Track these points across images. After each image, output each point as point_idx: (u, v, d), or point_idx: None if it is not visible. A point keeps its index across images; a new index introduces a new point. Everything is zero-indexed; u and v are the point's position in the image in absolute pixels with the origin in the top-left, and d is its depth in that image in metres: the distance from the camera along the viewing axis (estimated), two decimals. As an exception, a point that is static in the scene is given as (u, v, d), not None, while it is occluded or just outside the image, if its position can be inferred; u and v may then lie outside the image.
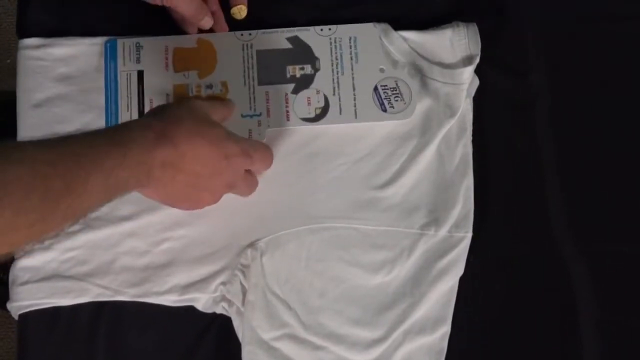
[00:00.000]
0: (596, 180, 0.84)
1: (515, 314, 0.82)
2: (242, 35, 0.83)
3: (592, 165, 0.84)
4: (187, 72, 0.82)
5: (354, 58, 0.82)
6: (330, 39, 0.83)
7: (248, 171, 0.76)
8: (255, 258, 0.80)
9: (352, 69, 0.82)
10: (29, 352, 0.79)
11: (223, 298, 0.79)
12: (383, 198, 0.81)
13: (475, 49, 0.82)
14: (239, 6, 0.84)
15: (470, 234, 0.81)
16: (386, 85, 0.82)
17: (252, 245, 0.80)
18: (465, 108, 0.82)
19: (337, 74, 0.82)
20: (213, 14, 0.83)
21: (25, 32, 0.84)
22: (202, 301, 0.80)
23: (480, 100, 0.83)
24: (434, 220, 0.81)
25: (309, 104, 0.82)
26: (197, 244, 0.80)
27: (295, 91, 0.82)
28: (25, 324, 0.79)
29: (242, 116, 0.81)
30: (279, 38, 0.83)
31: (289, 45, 0.83)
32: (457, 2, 0.86)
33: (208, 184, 0.72)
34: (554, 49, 0.86)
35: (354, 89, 0.82)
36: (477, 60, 0.82)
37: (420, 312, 0.80)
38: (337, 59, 0.82)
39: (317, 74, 0.82)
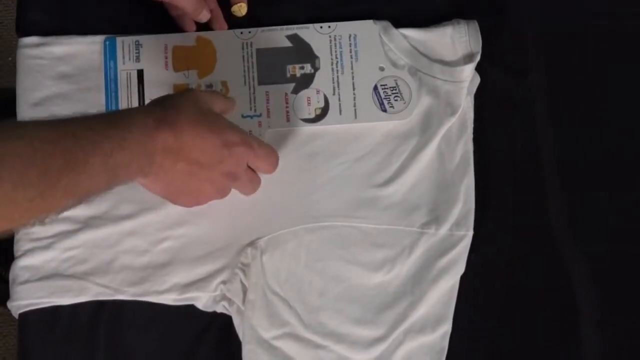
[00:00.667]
0: (596, 179, 0.84)
1: (516, 313, 0.82)
2: (241, 33, 0.83)
3: (592, 164, 0.84)
4: (187, 72, 0.82)
5: (353, 56, 0.82)
6: (330, 36, 0.83)
7: (251, 169, 0.76)
8: (255, 257, 0.79)
9: (352, 68, 0.82)
10: (29, 351, 0.80)
11: (223, 297, 0.79)
12: (383, 197, 0.81)
13: (476, 46, 0.82)
14: (239, 4, 0.83)
15: (471, 233, 0.81)
16: (386, 85, 0.82)
17: (252, 244, 0.80)
18: (466, 106, 0.82)
19: (337, 73, 0.82)
20: (211, 11, 0.83)
21: (24, 30, 0.84)
22: (203, 300, 0.80)
23: (480, 99, 0.83)
24: (435, 218, 0.81)
25: (309, 104, 0.81)
26: (197, 243, 0.80)
27: (295, 91, 0.82)
28: (26, 323, 0.79)
29: (243, 117, 0.81)
30: (278, 36, 0.83)
31: (288, 44, 0.83)
32: (457, 1, 0.86)
33: (208, 173, 0.71)
34: (554, 48, 0.85)
35: (353, 89, 0.82)
36: (478, 57, 0.81)
37: (421, 311, 0.79)
38: (337, 58, 0.82)
39: (317, 73, 0.82)
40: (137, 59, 0.82)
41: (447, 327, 0.80)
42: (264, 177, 0.79)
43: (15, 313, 0.80)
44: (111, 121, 0.64)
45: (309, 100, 0.82)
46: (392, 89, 0.82)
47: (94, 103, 0.82)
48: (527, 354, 0.82)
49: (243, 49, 0.83)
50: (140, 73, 0.82)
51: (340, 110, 0.81)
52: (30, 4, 0.84)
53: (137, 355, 0.80)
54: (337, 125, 0.82)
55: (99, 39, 0.83)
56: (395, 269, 0.80)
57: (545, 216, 0.83)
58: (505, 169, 0.83)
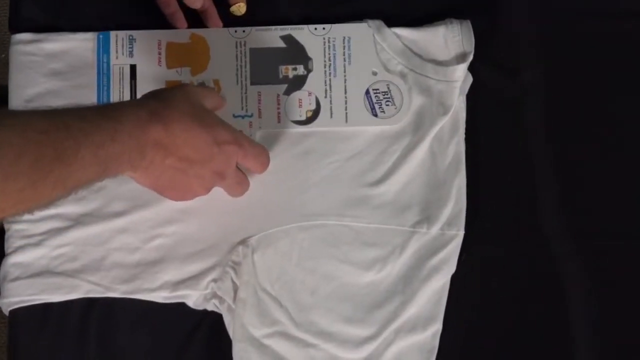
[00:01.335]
0: (589, 178, 0.84)
1: (507, 312, 0.82)
2: (235, 32, 0.83)
3: (585, 163, 0.84)
4: (180, 69, 0.82)
5: (347, 59, 0.82)
6: (324, 38, 0.83)
7: (241, 171, 0.76)
8: (246, 255, 0.79)
9: (344, 71, 0.82)
10: (20, 348, 0.79)
11: (214, 295, 0.79)
12: (375, 196, 0.81)
13: (469, 46, 0.82)
14: (238, 4, 0.83)
15: (462, 232, 0.81)
16: (378, 89, 0.82)
17: (243, 242, 0.80)
18: (458, 106, 0.82)
19: (330, 75, 0.82)
20: (206, 10, 0.83)
21: (17, 27, 0.84)
22: (193, 298, 0.80)
23: (473, 98, 0.83)
24: (426, 218, 0.81)
25: (300, 106, 0.82)
26: (189, 240, 0.80)
27: (288, 92, 0.82)
28: (16, 320, 0.79)
29: (234, 116, 0.81)
30: (272, 36, 0.83)
31: (282, 44, 0.83)
32: (450, 1, 0.86)
33: (197, 170, 0.71)
34: (547, 47, 0.86)
35: (345, 92, 0.82)
36: (471, 57, 0.82)
37: (412, 311, 0.80)
38: (330, 60, 0.82)
39: (310, 75, 0.82)
40: (131, 54, 0.82)
41: (437, 327, 0.80)
42: (256, 175, 0.79)
43: (6, 310, 0.79)
44: (104, 113, 0.64)
45: (300, 102, 0.82)
46: (384, 93, 0.82)
47: (87, 100, 0.81)
48: (519, 353, 0.82)
49: (237, 47, 0.83)
50: (133, 68, 0.82)
51: (332, 114, 0.82)
52: (24, 0, 0.84)
53: (127, 353, 0.80)
54: (328, 126, 0.82)
55: (91, 36, 0.83)
56: (387, 268, 0.80)
57: (537, 215, 0.83)
58: (497, 169, 0.84)
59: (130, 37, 0.82)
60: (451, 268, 0.81)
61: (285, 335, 0.79)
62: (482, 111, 0.84)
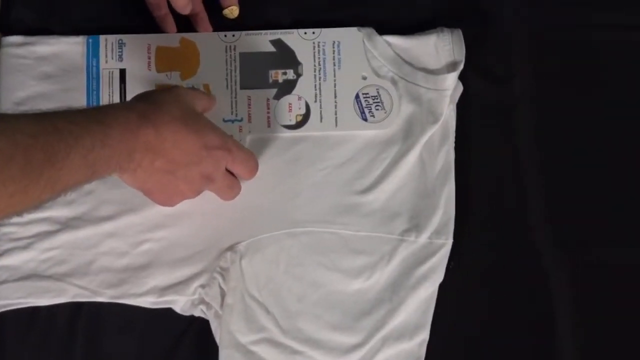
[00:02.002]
0: (578, 188, 0.84)
1: (494, 321, 0.82)
2: (225, 36, 0.83)
3: (575, 173, 0.84)
4: (169, 73, 0.82)
5: (336, 64, 0.82)
6: (313, 43, 0.82)
7: (231, 174, 0.76)
8: (234, 261, 0.79)
9: (334, 75, 0.82)
10: (6, 351, 0.80)
11: (201, 301, 0.80)
12: (364, 203, 0.81)
13: (460, 55, 0.82)
14: (230, 7, 0.83)
15: (450, 241, 0.81)
16: (367, 93, 0.81)
17: (231, 248, 0.80)
18: (448, 114, 0.82)
19: (320, 80, 0.82)
20: (197, 14, 0.82)
21: (8, 29, 0.83)
22: (181, 303, 0.80)
23: (463, 107, 0.83)
24: (415, 226, 0.81)
25: (290, 110, 0.81)
26: (177, 245, 0.80)
27: (277, 97, 0.81)
28: (3, 323, 0.79)
29: (224, 121, 0.81)
30: (262, 40, 0.82)
31: (272, 49, 0.82)
32: (442, 8, 0.85)
33: (185, 172, 0.70)
34: (538, 56, 0.85)
35: (335, 96, 0.81)
36: (461, 66, 0.81)
37: (399, 319, 0.80)
38: (319, 65, 0.82)
39: (300, 79, 0.82)
40: (120, 58, 0.82)
41: (424, 335, 0.80)
42: (245, 182, 0.79)
43: (-7, 313, 0.80)
44: (94, 116, 0.64)
45: (290, 107, 0.81)
46: (373, 98, 0.81)
47: (76, 104, 0.81)
48: (505, 362, 0.82)
49: (226, 52, 0.82)
50: (122, 72, 0.82)
51: (321, 118, 0.81)
52: (15, 2, 0.84)
53: (114, 358, 0.80)
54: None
55: (82, 40, 0.82)
56: (375, 276, 0.80)
57: (526, 224, 0.83)
58: (487, 178, 0.83)
59: (120, 42, 0.82)
60: (439, 277, 0.80)
61: (272, 342, 0.79)
62: (473, 120, 0.83)
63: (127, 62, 0.82)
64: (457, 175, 0.81)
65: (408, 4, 0.85)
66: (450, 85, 0.81)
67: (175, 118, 0.68)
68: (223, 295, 0.79)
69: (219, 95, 0.81)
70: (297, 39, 0.82)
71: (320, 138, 0.82)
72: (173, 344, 0.81)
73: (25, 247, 0.79)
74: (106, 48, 0.82)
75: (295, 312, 0.79)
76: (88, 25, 0.84)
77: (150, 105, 0.68)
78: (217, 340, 0.79)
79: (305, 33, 0.83)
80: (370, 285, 0.80)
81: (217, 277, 0.79)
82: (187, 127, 0.69)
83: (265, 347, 0.79)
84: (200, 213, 0.80)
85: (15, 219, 0.79)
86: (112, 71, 0.82)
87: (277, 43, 0.82)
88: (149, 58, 0.82)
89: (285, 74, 0.82)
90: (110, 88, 0.81)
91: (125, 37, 0.82)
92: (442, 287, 0.81)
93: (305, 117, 0.81)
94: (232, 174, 0.76)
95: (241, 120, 0.81)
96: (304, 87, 0.82)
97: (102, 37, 0.82)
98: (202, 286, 0.79)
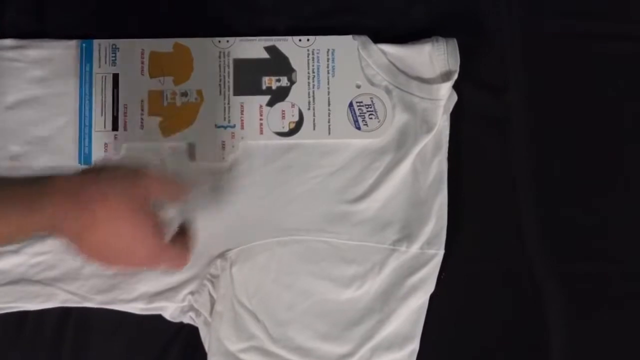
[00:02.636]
0: (571, 199, 0.83)
1: (486, 333, 0.82)
2: (219, 42, 0.82)
3: (568, 184, 0.83)
4: (162, 78, 0.81)
5: (330, 72, 0.82)
6: (308, 50, 0.82)
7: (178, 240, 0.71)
8: (224, 269, 0.79)
9: (328, 83, 0.81)
10: (-6, 355, 0.80)
11: (191, 308, 0.79)
12: (356, 212, 0.80)
13: (454, 64, 0.81)
14: None
15: (442, 252, 0.80)
16: (361, 102, 0.81)
17: (222, 255, 0.80)
18: (442, 124, 0.81)
19: (313, 87, 0.81)
20: None
21: (1, 32, 0.83)
22: (170, 310, 0.80)
23: (457, 117, 0.82)
24: (406, 236, 0.80)
25: (283, 117, 0.81)
26: (168, 252, 0.80)
27: (270, 103, 0.81)
28: (-9, 327, 0.79)
29: (217, 127, 0.81)
30: (256, 47, 0.82)
31: (266, 55, 0.82)
32: (437, 17, 0.85)
33: (121, 255, 0.66)
34: (533, 67, 0.85)
35: (329, 104, 0.81)
36: (456, 76, 0.81)
37: (389, 329, 0.79)
38: (313, 72, 0.82)
39: (293, 86, 0.81)
40: (114, 63, 0.82)
41: (414, 346, 0.80)
42: (236, 188, 0.79)
43: (-19, 317, 0.80)
44: (33, 199, 0.61)
45: (283, 114, 0.81)
46: (367, 106, 0.81)
47: (69, 108, 0.81)
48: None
49: (220, 58, 0.82)
50: (115, 77, 0.81)
51: (314, 126, 0.81)
52: (8, 5, 0.84)
53: (101, 364, 0.80)
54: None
55: (75, 44, 0.82)
56: (365, 286, 0.79)
57: (519, 236, 0.82)
58: (480, 189, 0.83)
59: (114, 46, 0.82)
60: (430, 287, 0.80)
61: (261, 351, 0.78)
62: (466, 130, 0.83)
63: (121, 66, 0.82)
64: (450, 185, 0.81)
65: (403, 12, 0.85)
66: (444, 94, 0.81)
67: (114, 209, 0.63)
68: (213, 302, 0.79)
69: (212, 101, 0.81)
70: (292, 46, 0.82)
71: (313, 146, 0.81)
72: (161, 351, 0.80)
73: (15, 252, 0.79)
74: (99, 52, 0.82)
75: (285, 321, 0.79)
76: (81, 29, 0.83)
77: (99, 191, 0.63)
78: (206, 347, 0.79)
79: (300, 40, 0.82)
80: (361, 295, 0.80)
81: (207, 284, 0.79)
82: (123, 223, 0.64)
83: (254, 355, 0.78)
84: (191, 219, 0.80)
85: (6, 223, 0.79)
86: (105, 76, 0.81)
87: (272, 50, 0.82)
88: (142, 63, 0.82)
89: (279, 80, 0.82)
90: (103, 93, 0.81)
91: (119, 42, 0.82)
92: (433, 297, 0.80)
93: (298, 124, 0.81)
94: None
95: (234, 126, 0.81)
96: (298, 95, 0.81)
97: (95, 42, 0.82)
98: (192, 293, 0.79)
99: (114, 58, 0.82)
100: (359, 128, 0.81)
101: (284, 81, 0.81)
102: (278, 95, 0.81)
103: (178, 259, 0.70)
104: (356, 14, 0.85)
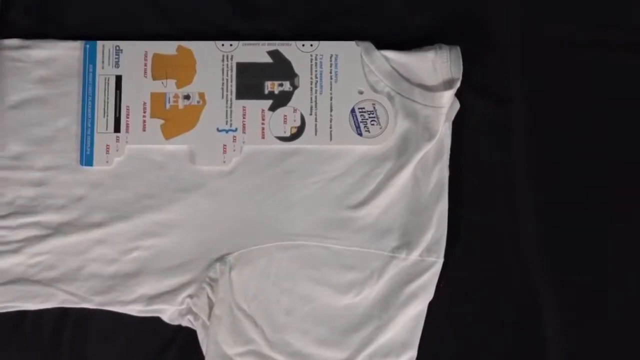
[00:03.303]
0: (572, 209, 0.83)
1: (484, 341, 0.82)
2: (222, 45, 0.82)
3: (569, 193, 0.83)
4: (165, 81, 0.81)
5: (333, 77, 0.81)
6: (311, 55, 0.82)
7: None
8: (224, 272, 0.79)
9: (330, 89, 0.81)
10: (-9, 355, 0.80)
11: (189, 311, 0.79)
12: (356, 218, 0.80)
13: (457, 72, 0.81)
14: None
15: (441, 260, 0.80)
16: (363, 108, 0.81)
17: (221, 259, 0.80)
18: (443, 132, 0.81)
19: (316, 92, 0.81)
20: None
21: (6, 32, 0.83)
22: (168, 313, 0.80)
23: (458, 124, 0.82)
24: (406, 243, 0.80)
25: (285, 122, 0.81)
26: (167, 254, 0.80)
27: (273, 108, 0.81)
28: (-11, 327, 0.80)
29: (218, 130, 0.81)
30: (259, 51, 0.82)
31: (269, 60, 0.82)
32: (440, 25, 0.85)
33: None
34: (535, 75, 0.85)
35: (331, 110, 0.81)
36: (458, 84, 0.81)
37: (388, 336, 0.79)
38: (316, 77, 0.81)
39: (296, 91, 0.81)
40: (117, 65, 0.82)
41: (412, 353, 0.80)
42: (237, 192, 0.79)
43: (-21, 316, 0.80)
44: None
45: (285, 119, 0.81)
46: (369, 113, 0.81)
47: (71, 109, 0.81)
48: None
49: (223, 61, 0.82)
50: (118, 79, 0.82)
51: (316, 131, 0.81)
52: (13, 6, 0.84)
53: (99, 365, 0.80)
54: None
55: (79, 45, 0.82)
56: (364, 292, 0.79)
57: (517, 245, 0.82)
58: (480, 197, 0.83)
59: (117, 48, 0.82)
60: (429, 295, 0.80)
61: (258, 355, 0.78)
62: (468, 138, 0.83)
63: (124, 68, 0.82)
64: (450, 193, 0.81)
65: (406, 19, 0.85)
66: (447, 102, 0.80)
67: None
68: (211, 306, 0.79)
69: (214, 105, 0.81)
70: (295, 51, 0.82)
71: (314, 151, 0.81)
72: (159, 353, 0.81)
73: (14, 251, 0.79)
74: (103, 54, 0.82)
75: (283, 326, 0.79)
76: (84, 31, 0.83)
77: None
78: (204, 351, 0.79)
79: (303, 45, 0.82)
80: (360, 301, 0.79)
81: (206, 287, 0.79)
82: None
83: (251, 359, 0.78)
84: (191, 222, 0.80)
85: (5, 223, 0.79)
86: (108, 77, 0.81)
87: (275, 54, 0.82)
88: (146, 65, 0.82)
89: (281, 85, 0.82)
90: (106, 94, 0.81)
91: (123, 44, 0.82)
92: (431, 305, 0.80)
93: (300, 129, 0.81)
94: None
95: (235, 130, 0.81)
96: (300, 100, 0.81)
97: (99, 43, 0.82)
98: (191, 296, 0.79)
99: (117, 60, 0.82)
100: (360, 134, 0.81)
101: (287, 86, 0.81)
102: (280, 100, 0.81)
103: None
104: (359, 20, 0.85)
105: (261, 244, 0.80)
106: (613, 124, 0.85)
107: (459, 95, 0.81)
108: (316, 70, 0.82)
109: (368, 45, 0.82)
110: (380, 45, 0.82)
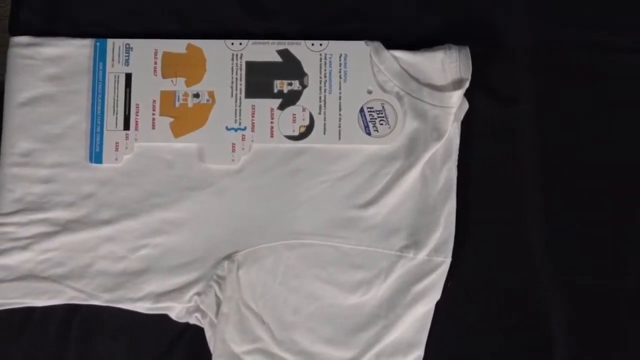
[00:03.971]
0: (580, 211, 0.83)
1: (491, 341, 0.82)
2: (232, 44, 0.82)
3: (576, 195, 0.83)
4: (175, 79, 0.82)
5: (342, 77, 0.82)
6: (320, 54, 0.82)
7: None
8: (231, 270, 0.79)
9: (340, 88, 0.81)
10: (-1, 350, 0.80)
11: (197, 309, 0.80)
12: (364, 218, 0.80)
13: (466, 72, 0.81)
14: None
15: (449, 260, 0.80)
16: (372, 107, 0.81)
17: (229, 257, 0.80)
18: (452, 132, 0.81)
19: (325, 92, 0.81)
20: None
21: (17, 29, 0.84)
22: (176, 310, 0.80)
23: (467, 125, 0.82)
24: (414, 243, 0.80)
25: (294, 121, 0.81)
26: (175, 252, 0.80)
27: (282, 107, 0.81)
28: (-3, 322, 0.80)
29: (227, 129, 0.81)
30: (269, 50, 0.82)
31: (278, 59, 0.82)
32: (449, 25, 0.85)
33: None
34: (544, 77, 0.85)
35: (340, 109, 0.81)
36: (467, 84, 0.81)
37: (394, 335, 0.79)
38: (325, 77, 0.82)
39: (305, 90, 0.81)
40: (127, 63, 0.82)
41: (419, 353, 0.80)
42: (246, 190, 0.79)
43: (-12, 312, 0.80)
44: None
45: (294, 117, 0.81)
46: (378, 112, 0.81)
47: (80, 106, 0.82)
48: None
49: (233, 60, 0.82)
50: (128, 77, 0.82)
51: (325, 130, 0.81)
52: (23, 5, 0.84)
53: (106, 363, 0.81)
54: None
55: (89, 42, 0.83)
56: (371, 291, 0.79)
57: (526, 246, 0.82)
58: (488, 198, 0.83)
59: (127, 46, 0.82)
60: (436, 295, 0.80)
61: (265, 353, 0.79)
62: (476, 138, 0.83)
63: (134, 66, 0.82)
64: (459, 193, 0.81)
65: (415, 20, 0.85)
66: (456, 102, 0.81)
67: None
68: (219, 304, 0.79)
69: (224, 103, 0.81)
70: (304, 50, 0.82)
71: (323, 150, 0.81)
72: (166, 351, 0.81)
73: (23, 248, 0.79)
74: (113, 52, 0.82)
75: (290, 324, 0.79)
76: (94, 28, 0.84)
77: None
78: (211, 348, 0.79)
79: (313, 45, 0.82)
80: (367, 301, 0.80)
81: (214, 285, 0.79)
82: None
83: (258, 357, 0.79)
84: (199, 221, 0.80)
85: (15, 219, 0.79)
86: (118, 75, 0.82)
87: (284, 53, 0.82)
88: (155, 63, 0.82)
89: (290, 84, 0.82)
90: (116, 92, 0.81)
91: (133, 42, 0.82)
92: (438, 305, 0.80)
93: (309, 128, 0.81)
94: None
95: (244, 129, 0.81)
96: (309, 99, 0.81)
97: (109, 41, 0.82)
98: (198, 294, 0.79)
99: (127, 57, 0.82)
100: (369, 134, 0.81)
101: (296, 85, 0.82)
102: (289, 99, 0.81)
103: None
104: (368, 20, 0.85)
105: (269, 242, 0.80)
106: (621, 125, 0.85)
107: (467, 95, 0.81)
108: (325, 70, 0.82)
109: (377, 45, 0.82)
110: (389, 46, 0.82)
